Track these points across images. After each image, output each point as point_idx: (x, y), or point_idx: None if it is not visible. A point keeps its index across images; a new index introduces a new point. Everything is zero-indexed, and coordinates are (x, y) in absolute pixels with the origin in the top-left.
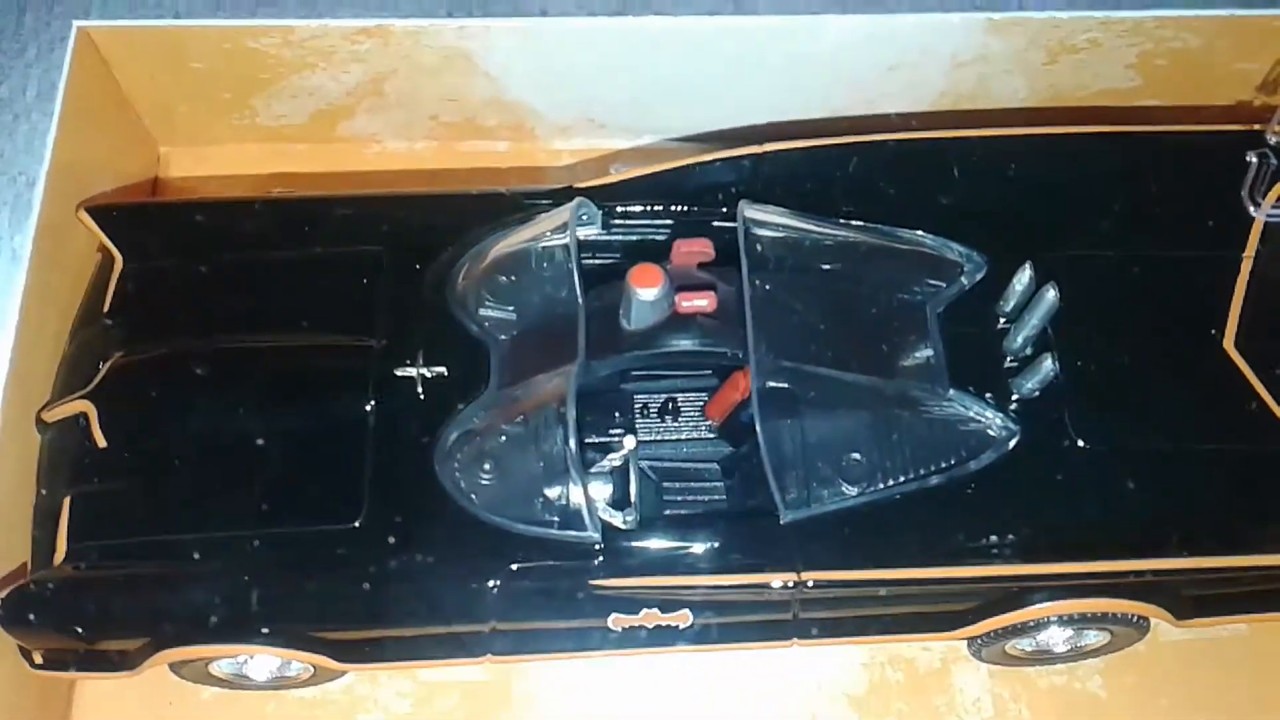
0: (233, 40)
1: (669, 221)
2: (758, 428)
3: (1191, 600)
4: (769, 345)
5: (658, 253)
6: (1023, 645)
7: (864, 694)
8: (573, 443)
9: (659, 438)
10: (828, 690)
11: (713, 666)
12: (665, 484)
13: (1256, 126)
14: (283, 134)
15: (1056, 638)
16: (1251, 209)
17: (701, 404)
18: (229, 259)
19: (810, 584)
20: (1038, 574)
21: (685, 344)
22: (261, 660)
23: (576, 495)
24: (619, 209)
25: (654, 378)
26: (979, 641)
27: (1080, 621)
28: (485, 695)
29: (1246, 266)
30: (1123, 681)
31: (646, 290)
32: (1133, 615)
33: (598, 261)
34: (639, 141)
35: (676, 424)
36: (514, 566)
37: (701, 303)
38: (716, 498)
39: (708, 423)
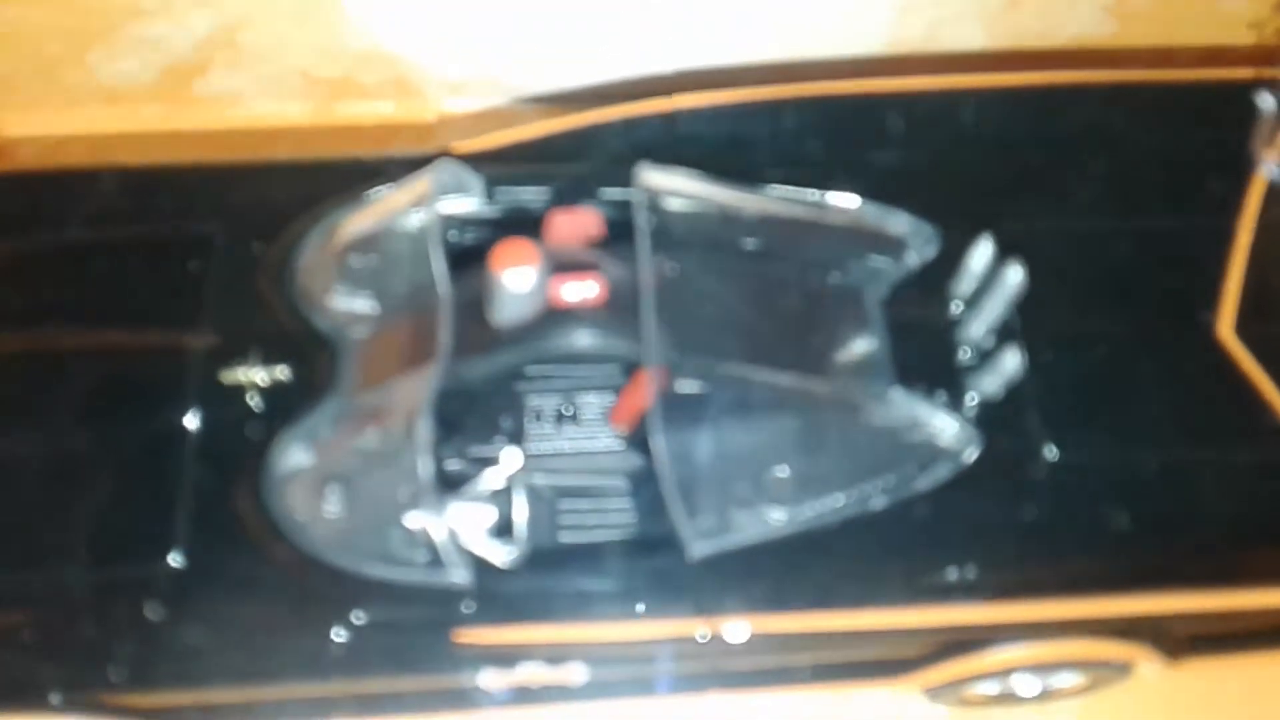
0: None
1: (553, 191)
2: (657, 440)
3: (1187, 639)
4: (673, 340)
5: (538, 228)
6: (985, 689)
7: None
8: (425, 463)
9: (555, 449)
10: None
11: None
12: (563, 503)
13: (1267, 73)
14: (129, 94)
15: (1024, 682)
16: (1265, 168)
17: (607, 406)
18: (29, 241)
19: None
20: (1004, 622)
21: (567, 344)
22: None
23: (438, 528)
24: (502, 177)
25: (548, 375)
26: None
27: (1053, 667)
28: None
29: (1245, 237)
30: None
31: (513, 275)
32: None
33: (474, 240)
34: (540, 97)
35: (576, 431)
36: (361, 617)
37: (586, 290)
38: (621, 522)
39: (614, 429)
